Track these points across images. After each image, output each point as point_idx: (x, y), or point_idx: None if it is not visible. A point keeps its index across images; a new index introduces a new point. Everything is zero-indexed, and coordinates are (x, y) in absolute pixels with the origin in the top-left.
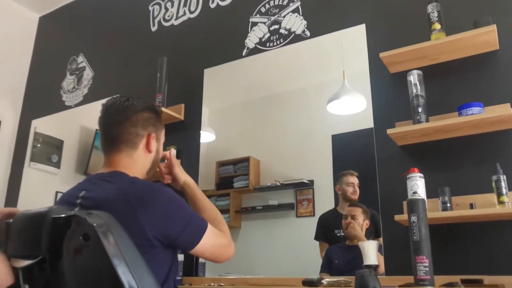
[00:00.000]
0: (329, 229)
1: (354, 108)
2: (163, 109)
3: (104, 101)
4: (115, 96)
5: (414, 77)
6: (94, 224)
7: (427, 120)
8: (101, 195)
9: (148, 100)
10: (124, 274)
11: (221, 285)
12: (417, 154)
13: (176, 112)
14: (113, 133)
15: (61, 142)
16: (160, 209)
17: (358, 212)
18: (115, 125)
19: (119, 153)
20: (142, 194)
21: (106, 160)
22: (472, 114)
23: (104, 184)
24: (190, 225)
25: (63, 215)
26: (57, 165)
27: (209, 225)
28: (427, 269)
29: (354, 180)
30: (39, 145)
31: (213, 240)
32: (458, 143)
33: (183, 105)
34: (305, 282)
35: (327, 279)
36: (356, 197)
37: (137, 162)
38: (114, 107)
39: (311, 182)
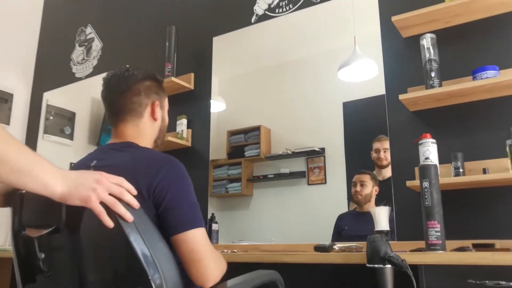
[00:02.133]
0: None
1: (365, 74)
2: (173, 78)
3: (104, 75)
4: (114, 69)
5: (427, 41)
6: None
7: (440, 85)
8: (112, 163)
9: (148, 69)
10: (136, 241)
11: (234, 251)
12: (429, 120)
13: (186, 82)
14: (117, 105)
15: (73, 114)
16: (166, 180)
17: (367, 179)
18: (118, 96)
19: (125, 123)
20: (152, 164)
21: (114, 132)
22: (487, 77)
23: (116, 153)
24: (188, 210)
25: None
26: (70, 136)
27: (204, 230)
28: (439, 234)
29: (381, 145)
30: (51, 117)
31: (202, 242)
32: (471, 108)
33: (192, 74)
34: (317, 248)
35: (339, 245)
36: (383, 163)
37: (144, 131)
38: (115, 79)
39: (322, 150)
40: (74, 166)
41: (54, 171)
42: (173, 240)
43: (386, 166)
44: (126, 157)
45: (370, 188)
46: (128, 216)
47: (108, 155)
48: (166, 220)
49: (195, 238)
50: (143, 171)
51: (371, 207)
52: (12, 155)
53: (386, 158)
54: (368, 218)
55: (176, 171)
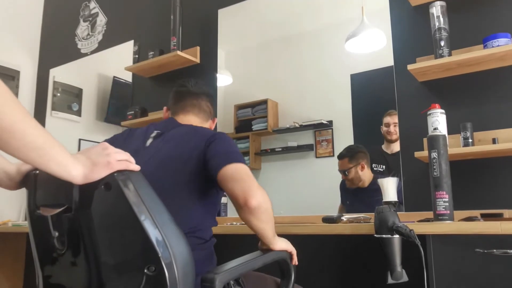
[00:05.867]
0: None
1: (373, 45)
2: (178, 52)
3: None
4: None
5: (436, 9)
6: (115, 174)
7: (449, 54)
8: (170, 132)
9: None
10: (146, 220)
11: (243, 224)
12: (438, 90)
13: (192, 55)
14: (197, 101)
15: (80, 90)
16: (217, 145)
17: (345, 164)
18: (200, 95)
19: (195, 117)
20: (206, 136)
21: (181, 116)
22: (498, 45)
23: (176, 126)
24: (228, 154)
25: None
26: (78, 113)
27: (245, 166)
28: (447, 204)
29: (391, 120)
30: (58, 94)
31: (244, 170)
32: (481, 77)
33: (198, 48)
34: (325, 219)
35: (346, 216)
36: (392, 137)
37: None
38: (195, 81)
39: (330, 122)
40: (129, 133)
41: (70, 155)
42: (218, 181)
43: (396, 140)
44: (184, 128)
45: (353, 172)
46: (135, 166)
47: (168, 128)
48: (209, 166)
49: (234, 167)
50: (199, 139)
51: (367, 183)
52: (33, 130)
53: (396, 132)
54: (368, 194)
55: (226, 139)
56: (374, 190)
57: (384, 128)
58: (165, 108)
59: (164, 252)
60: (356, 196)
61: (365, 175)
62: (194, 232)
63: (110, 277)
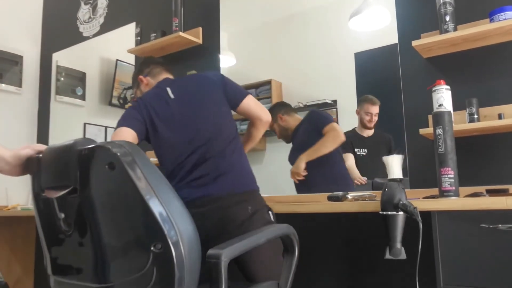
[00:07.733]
0: (350, 147)
1: (377, 23)
2: (181, 33)
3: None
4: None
5: None
6: (118, 154)
7: (455, 29)
8: (182, 82)
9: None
10: (151, 200)
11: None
12: (443, 66)
13: (194, 36)
14: (164, 65)
15: (84, 74)
16: (230, 82)
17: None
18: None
19: (171, 75)
20: (218, 73)
21: (164, 75)
22: (505, 19)
23: (175, 80)
24: (238, 87)
25: (87, 147)
26: (82, 97)
27: (252, 96)
28: (452, 180)
29: (374, 110)
30: (62, 78)
31: (256, 101)
32: (488, 52)
33: (200, 29)
34: (330, 198)
35: (352, 194)
36: (371, 125)
37: None
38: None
39: (334, 102)
40: (147, 97)
41: None
42: (238, 110)
43: (372, 128)
44: (187, 77)
45: (277, 128)
46: None
47: (171, 83)
48: (229, 98)
49: (249, 99)
50: (211, 77)
51: (293, 128)
52: None
53: (374, 121)
54: (298, 134)
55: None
56: (300, 130)
57: (364, 116)
58: (140, 77)
59: (169, 229)
60: (294, 143)
61: (289, 123)
62: (234, 138)
63: (116, 256)
